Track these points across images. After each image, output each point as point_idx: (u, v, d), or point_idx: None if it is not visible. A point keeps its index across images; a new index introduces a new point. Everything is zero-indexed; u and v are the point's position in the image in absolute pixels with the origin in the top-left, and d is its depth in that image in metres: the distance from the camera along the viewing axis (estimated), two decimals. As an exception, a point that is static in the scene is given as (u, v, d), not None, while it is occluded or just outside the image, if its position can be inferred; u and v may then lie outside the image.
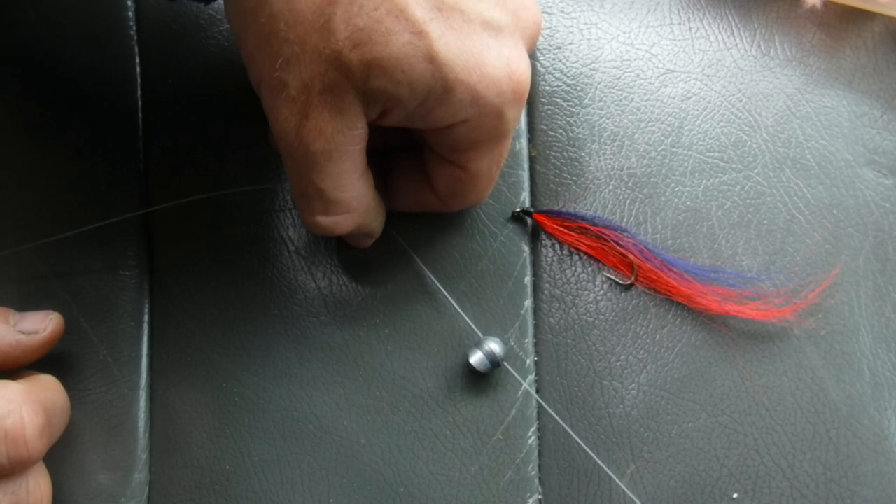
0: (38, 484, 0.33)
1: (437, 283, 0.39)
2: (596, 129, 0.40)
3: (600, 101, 0.40)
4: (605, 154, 0.40)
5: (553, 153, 0.40)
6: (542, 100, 0.40)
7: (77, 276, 0.39)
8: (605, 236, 0.39)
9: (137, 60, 0.41)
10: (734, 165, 0.39)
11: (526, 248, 0.39)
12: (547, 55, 0.41)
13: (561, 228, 0.39)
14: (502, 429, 0.38)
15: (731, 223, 0.39)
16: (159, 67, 0.41)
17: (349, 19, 0.28)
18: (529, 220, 0.40)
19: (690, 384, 0.38)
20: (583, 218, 0.39)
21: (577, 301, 0.39)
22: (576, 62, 0.41)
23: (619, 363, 0.38)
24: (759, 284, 0.38)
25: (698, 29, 0.41)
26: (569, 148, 0.40)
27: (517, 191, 0.40)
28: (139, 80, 0.41)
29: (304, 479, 0.38)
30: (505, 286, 0.39)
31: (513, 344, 0.39)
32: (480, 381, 0.38)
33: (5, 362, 0.35)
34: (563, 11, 0.41)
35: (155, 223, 0.40)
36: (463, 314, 0.38)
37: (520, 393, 0.38)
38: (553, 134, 0.40)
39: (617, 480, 0.37)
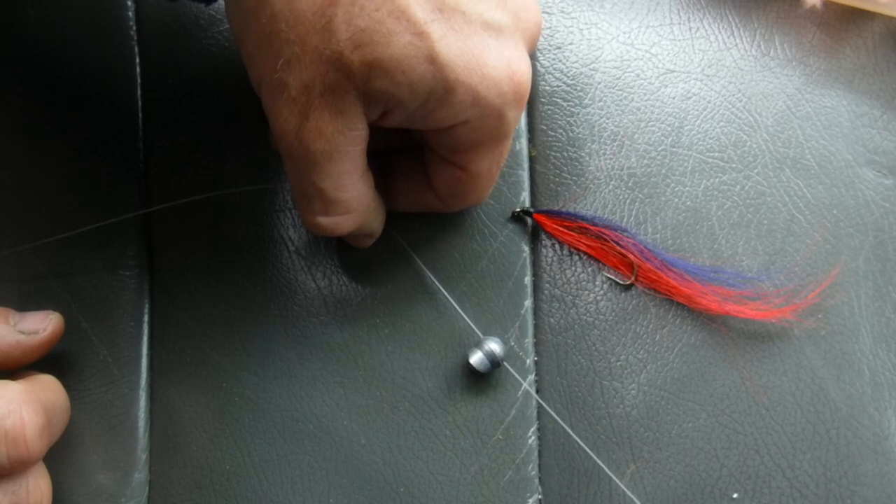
0: (38, 484, 0.33)
1: (437, 283, 0.39)
2: (596, 129, 0.40)
3: (600, 101, 0.40)
4: (605, 154, 0.40)
5: (553, 153, 0.40)
6: (542, 100, 0.40)
7: (77, 276, 0.39)
8: (605, 236, 0.39)
9: (137, 60, 0.41)
10: (734, 165, 0.39)
11: (526, 248, 0.39)
12: (547, 55, 0.41)
13: (561, 228, 0.39)
14: (502, 429, 0.38)
15: (731, 223, 0.39)
16: (159, 67, 0.41)
17: (350, 20, 0.28)
18: (529, 220, 0.40)
19: (690, 384, 0.38)
20: (583, 218, 0.39)
21: (577, 301, 0.39)
22: (576, 62, 0.41)
23: (619, 363, 0.38)
24: (759, 284, 0.38)
25: (698, 29, 0.41)
26: (569, 148, 0.40)
27: (517, 191, 0.40)
28: (139, 80, 0.41)
29: (304, 479, 0.38)
30: (505, 286, 0.39)
31: (513, 344, 0.39)
32: (480, 381, 0.38)
33: (5, 362, 0.35)
34: (563, 11, 0.41)
35: (155, 223, 0.40)
36: (463, 314, 0.38)
37: (520, 393, 0.38)
38: (553, 134, 0.40)
39: (617, 480, 0.37)
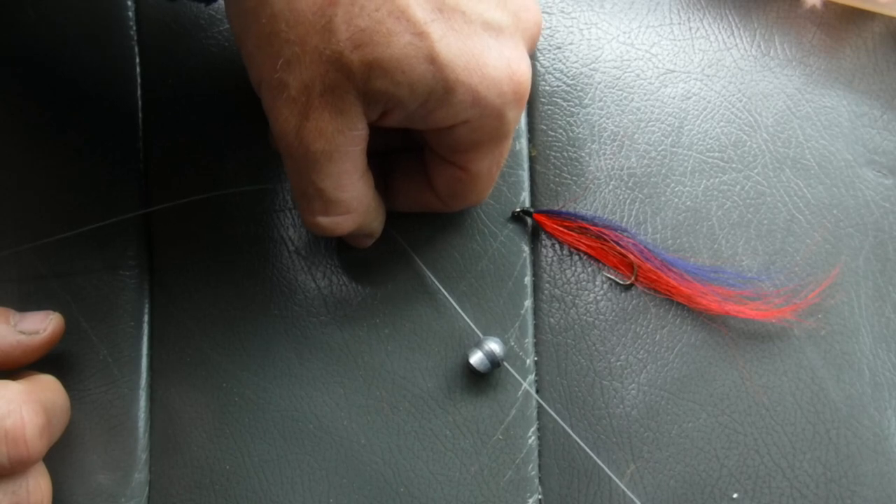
0: (38, 484, 0.33)
1: (437, 283, 0.39)
2: (596, 129, 0.40)
3: (600, 101, 0.40)
4: (605, 154, 0.40)
5: (553, 153, 0.40)
6: (542, 100, 0.40)
7: (77, 276, 0.39)
8: (605, 236, 0.39)
9: (137, 60, 0.41)
10: (734, 165, 0.39)
11: (526, 248, 0.39)
12: (547, 55, 0.41)
13: (561, 228, 0.39)
14: (502, 429, 0.38)
15: (731, 223, 0.39)
16: (159, 67, 0.41)
17: (350, 20, 0.28)
18: (529, 220, 0.40)
19: (690, 384, 0.38)
20: (583, 218, 0.39)
21: (577, 301, 0.39)
22: (576, 62, 0.41)
23: (619, 363, 0.38)
24: (759, 284, 0.38)
25: (698, 29, 0.41)
26: (569, 148, 0.40)
27: (517, 191, 0.40)
28: (139, 80, 0.41)
29: (304, 479, 0.38)
30: (505, 286, 0.39)
31: (513, 344, 0.39)
32: (480, 381, 0.38)
33: (5, 362, 0.35)
34: (563, 11, 0.41)
35: (155, 223, 0.40)
36: (463, 314, 0.38)
37: (520, 393, 0.38)
38: (553, 134, 0.40)
39: (617, 480, 0.37)
